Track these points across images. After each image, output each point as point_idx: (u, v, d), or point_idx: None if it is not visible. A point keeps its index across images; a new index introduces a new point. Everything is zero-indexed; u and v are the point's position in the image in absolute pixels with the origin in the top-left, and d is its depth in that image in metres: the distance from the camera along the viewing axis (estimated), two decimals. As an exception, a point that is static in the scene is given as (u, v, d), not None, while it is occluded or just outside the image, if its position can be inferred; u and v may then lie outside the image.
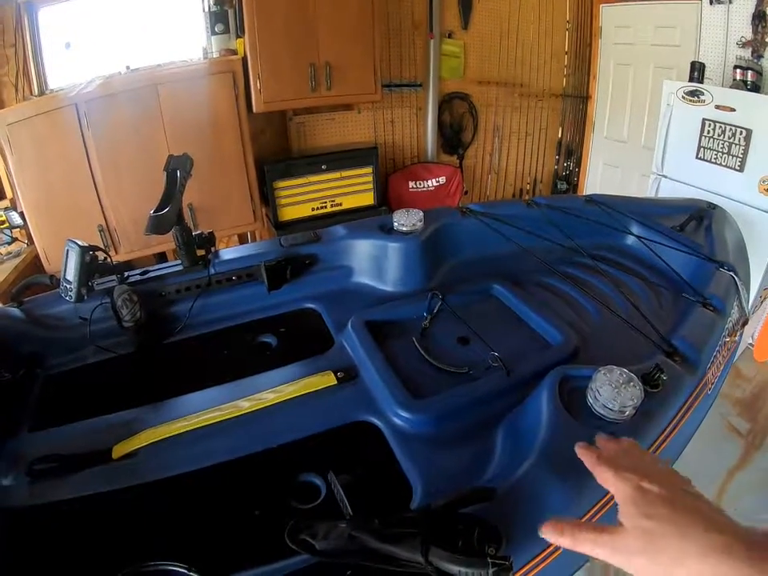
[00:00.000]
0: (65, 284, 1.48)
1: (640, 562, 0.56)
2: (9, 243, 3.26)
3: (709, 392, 1.33)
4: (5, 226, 3.24)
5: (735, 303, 1.56)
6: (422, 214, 1.77)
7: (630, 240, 1.91)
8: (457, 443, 1.16)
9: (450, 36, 3.94)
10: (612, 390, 1.04)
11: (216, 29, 3.10)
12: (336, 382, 1.33)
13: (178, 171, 1.61)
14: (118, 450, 1.16)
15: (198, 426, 1.22)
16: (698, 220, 1.90)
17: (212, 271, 1.70)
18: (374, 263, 1.76)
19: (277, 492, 1.10)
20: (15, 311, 1.53)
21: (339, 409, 1.27)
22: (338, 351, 1.47)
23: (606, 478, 0.66)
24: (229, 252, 1.78)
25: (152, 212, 1.56)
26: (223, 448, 1.17)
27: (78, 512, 1.06)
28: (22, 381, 1.40)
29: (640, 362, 1.21)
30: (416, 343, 1.44)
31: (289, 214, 3.55)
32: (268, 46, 3.06)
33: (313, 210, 3.60)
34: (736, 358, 3.13)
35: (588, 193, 4.38)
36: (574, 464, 0.93)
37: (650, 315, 1.49)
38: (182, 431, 1.21)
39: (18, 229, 3.25)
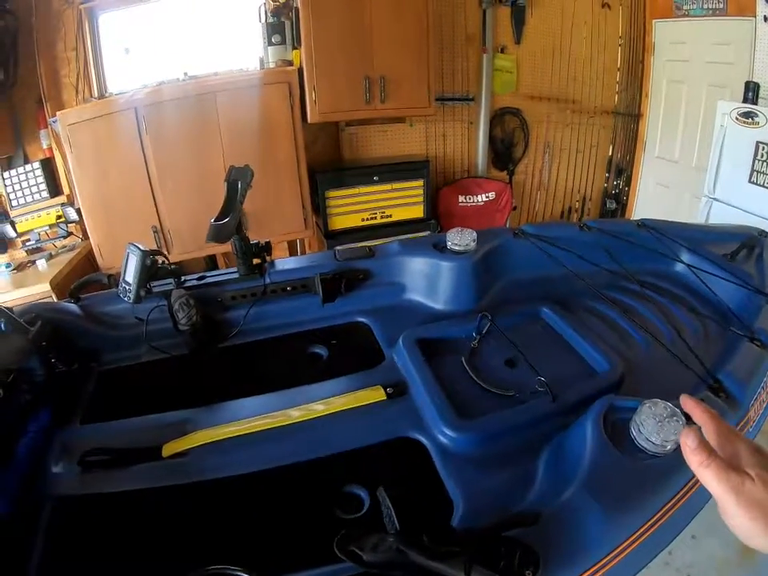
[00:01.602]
0: (124, 285, 1.54)
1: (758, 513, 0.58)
2: (64, 237, 3.40)
3: (750, 429, 1.31)
4: (61, 220, 3.36)
5: (783, 339, 1.52)
6: (475, 234, 1.78)
7: (680, 267, 1.88)
8: (500, 465, 1.17)
9: (502, 51, 3.94)
10: (655, 424, 1.04)
11: (273, 39, 3.16)
12: (386, 397, 1.36)
13: (239, 182, 1.65)
14: (169, 449, 1.20)
15: (248, 431, 1.26)
16: (749, 248, 1.87)
17: (267, 280, 1.73)
18: (426, 281, 1.78)
19: (323, 501, 1.14)
20: (73, 307, 1.60)
21: (387, 424, 1.30)
22: (388, 366, 1.49)
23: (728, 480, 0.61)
24: (284, 262, 1.83)
25: (212, 220, 1.62)
26: (272, 455, 1.20)
27: (126, 505, 1.11)
28: (76, 374, 1.47)
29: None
30: (464, 363, 1.46)
31: (339, 223, 3.58)
32: (324, 57, 3.10)
33: (363, 220, 3.63)
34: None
35: (638, 212, 4.42)
36: (615, 494, 0.98)
37: (697, 347, 1.47)
38: (232, 435, 1.24)
39: (74, 224, 3.37)
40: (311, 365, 1.61)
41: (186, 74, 3.22)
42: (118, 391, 1.46)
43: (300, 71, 3.13)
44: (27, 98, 3.26)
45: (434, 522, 1.06)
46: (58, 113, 2.98)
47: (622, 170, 4.45)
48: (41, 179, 3.34)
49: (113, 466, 1.17)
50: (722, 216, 3.19)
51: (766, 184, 2.94)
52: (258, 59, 3.33)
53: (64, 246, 3.43)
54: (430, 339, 1.55)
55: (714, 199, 3.28)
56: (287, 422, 1.28)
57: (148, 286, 1.57)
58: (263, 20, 3.22)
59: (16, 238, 3.37)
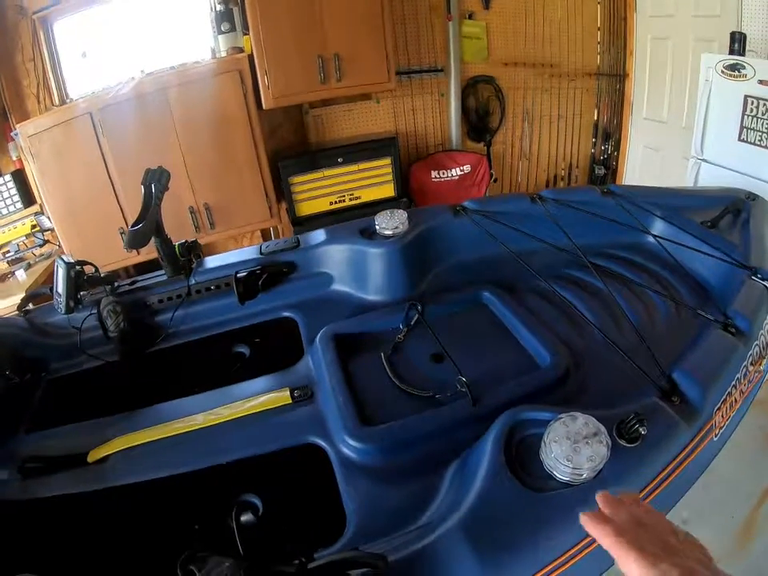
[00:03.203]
0: (56, 297, 1.57)
1: None
2: (41, 245, 3.46)
3: (715, 438, 1.12)
4: (36, 229, 3.42)
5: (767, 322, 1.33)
6: (405, 215, 1.69)
7: (653, 238, 1.71)
8: (405, 477, 1.08)
9: (470, 17, 3.76)
10: (569, 446, 0.88)
11: (222, 27, 3.06)
12: (291, 401, 1.30)
13: (153, 185, 1.61)
14: (93, 455, 1.24)
15: (159, 437, 1.27)
16: (734, 213, 1.69)
17: (192, 281, 1.69)
18: (354, 270, 1.69)
19: (218, 508, 1.14)
20: (21, 320, 1.65)
21: (290, 430, 1.24)
22: (303, 367, 1.42)
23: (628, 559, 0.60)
24: (212, 260, 1.78)
25: (130, 227, 1.62)
26: (176, 461, 1.21)
27: (59, 508, 1.16)
28: (28, 384, 1.53)
29: (636, 398, 1.06)
30: (383, 360, 1.36)
31: (307, 209, 3.50)
32: (273, 40, 3.00)
33: (331, 204, 3.53)
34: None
35: (627, 177, 4.24)
36: (499, 537, 0.84)
37: (659, 335, 1.33)
38: (146, 441, 1.27)
39: (49, 232, 3.42)
40: (232, 365, 1.59)
41: (142, 71, 3.16)
42: (60, 399, 1.52)
43: (251, 57, 3.03)
44: (-8, 112, 3.28)
45: (319, 538, 0.99)
46: (17, 125, 3.00)
47: (610, 134, 4.26)
48: (13, 191, 3.37)
49: (46, 473, 1.22)
50: (711, 178, 2.99)
51: (756, 141, 2.73)
52: (210, 49, 3.23)
53: (41, 255, 3.49)
54: (351, 334, 1.47)
55: (703, 160, 3.08)
56: (194, 428, 1.28)
57: (79, 296, 1.59)
58: (212, 9, 3.13)
59: (-5, 250, 3.41)
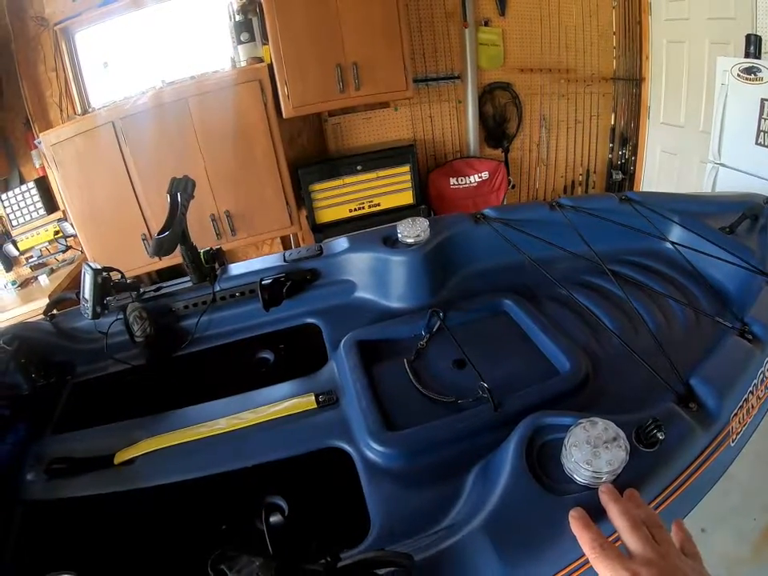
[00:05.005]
0: (83, 302, 1.58)
1: None
2: (63, 251, 3.58)
3: (732, 443, 1.12)
4: (59, 235, 3.50)
5: (785, 328, 1.33)
6: (427, 223, 1.70)
7: (670, 244, 1.69)
8: (428, 481, 1.09)
9: (486, 24, 3.79)
10: (589, 450, 0.88)
11: (242, 38, 3.10)
12: (316, 406, 1.31)
13: (179, 194, 1.63)
14: (119, 457, 1.25)
15: (186, 440, 1.27)
16: (752, 219, 1.66)
17: (217, 288, 1.71)
18: (376, 278, 1.70)
19: (245, 510, 1.15)
20: (46, 324, 1.67)
21: (315, 434, 1.25)
22: (327, 372, 1.43)
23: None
24: (236, 267, 1.80)
25: (156, 235, 1.62)
26: (203, 464, 1.22)
27: (84, 509, 1.18)
28: (54, 387, 1.55)
29: (654, 404, 1.06)
30: (406, 366, 1.37)
31: (326, 216, 3.53)
32: (292, 50, 3.04)
33: (351, 211, 3.57)
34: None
35: (645, 182, 4.22)
36: (521, 538, 0.85)
37: (677, 342, 1.32)
38: (173, 444, 1.27)
39: (72, 238, 3.49)
40: (257, 371, 1.60)
41: (163, 81, 3.21)
42: (87, 401, 1.53)
43: (270, 67, 3.08)
44: (16, 121, 3.39)
45: (345, 540, 1.00)
46: (40, 134, 3.07)
47: (627, 139, 4.25)
48: (36, 198, 3.47)
49: (73, 474, 1.23)
50: (729, 182, 2.98)
51: (773, 145, 2.73)
52: (230, 59, 3.28)
53: (64, 260, 3.60)
54: (375, 341, 1.48)
55: (721, 165, 3.07)
56: (219, 432, 1.29)
57: (106, 302, 1.60)
58: (231, 19, 3.18)
59: (19, 255, 3.53)
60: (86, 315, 1.57)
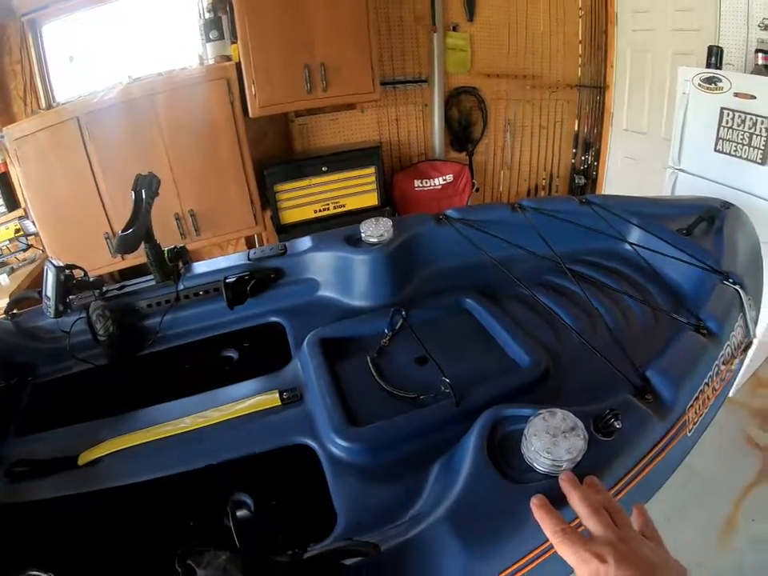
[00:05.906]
0: (45, 300, 1.57)
1: None
2: (24, 250, 3.45)
3: (688, 433, 1.18)
4: (20, 234, 3.40)
5: (738, 324, 1.39)
6: (390, 223, 1.72)
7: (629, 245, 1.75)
8: (393, 475, 1.10)
9: (454, 29, 3.83)
10: (548, 440, 0.92)
11: (210, 35, 3.09)
12: (280, 403, 1.32)
13: (143, 191, 1.62)
14: (84, 458, 1.23)
15: (151, 439, 1.27)
16: (708, 221, 1.72)
17: (181, 286, 1.70)
18: (339, 276, 1.71)
19: (212, 507, 1.14)
20: (7, 323, 1.63)
21: (280, 431, 1.26)
22: (291, 370, 1.44)
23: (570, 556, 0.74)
24: (200, 266, 1.79)
25: (120, 232, 1.62)
26: (168, 462, 1.21)
27: (51, 511, 1.16)
28: (14, 388, 1.51)
29: (612, 396, 1.10)
30: (369, 363, 1.39)
31: (291, 216, 3.53)
32: (260, 49, 3.03)
33: (315, 212, 3.57)
34: (758, 366, 2.92)
35: (608, 187, 4.31)
36: (484, 526, 0.88)
37: (635, 338, 1.37)
38: (138, 443, 1.26)
39: (33, 236, 3.40)
40: (221, 369, 1.60)
41: (130, 76, 3.17)
42: (49, 402, 1.50)
43: (239, 66, 3.06)
44: (-21, 114, 3.27)
45: (310, 534, 1.01)
46: (4, 128, 2.98)
47: (590, 145, 4.34)
48: None
49: (36, 476, 1.21)
50: (688, 187, 3.06)
51: (732, 152, 2.80)
52: (198, 56, 3.26)
53: (25, 259, 3.47)
54: (337, 338, 1.49)
55: (680, 170, 3.14)
56: (184, 430, 1.29)
57: (68, 300, 1.59)
58: (201, 17, 3.15)
59: (-21, 255, 3.39)
60: (48, 314, 1.56)
